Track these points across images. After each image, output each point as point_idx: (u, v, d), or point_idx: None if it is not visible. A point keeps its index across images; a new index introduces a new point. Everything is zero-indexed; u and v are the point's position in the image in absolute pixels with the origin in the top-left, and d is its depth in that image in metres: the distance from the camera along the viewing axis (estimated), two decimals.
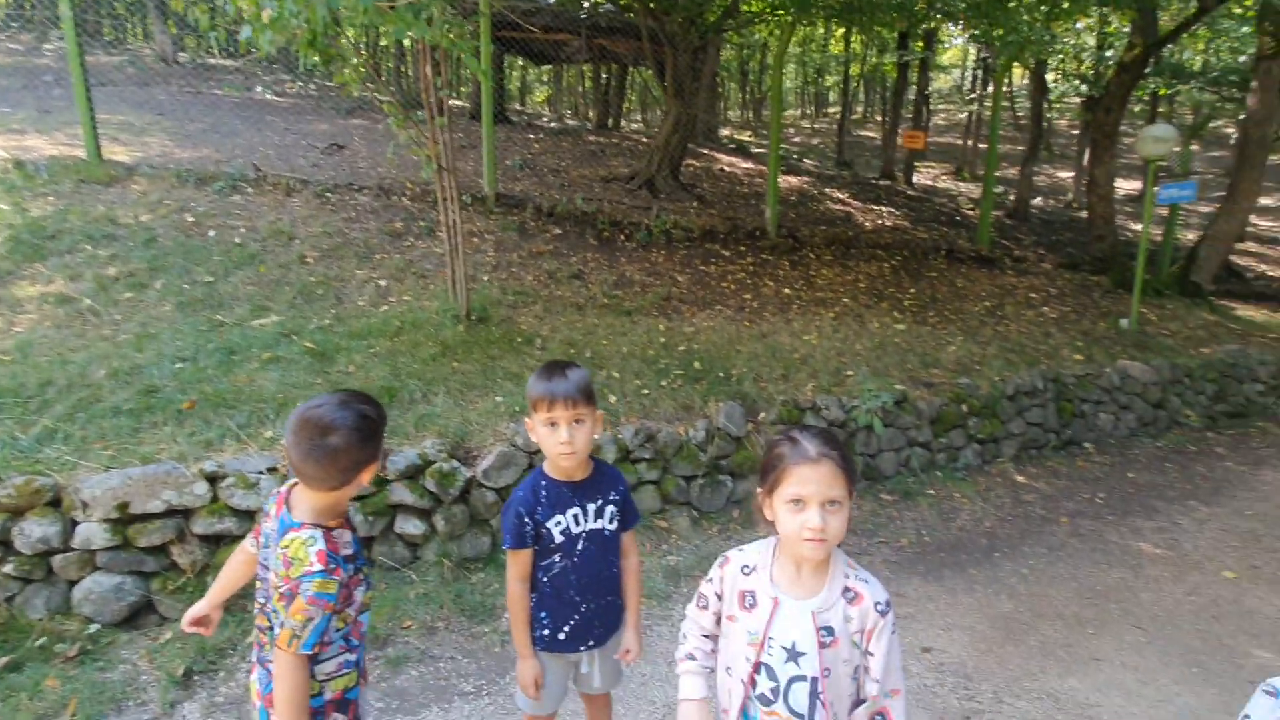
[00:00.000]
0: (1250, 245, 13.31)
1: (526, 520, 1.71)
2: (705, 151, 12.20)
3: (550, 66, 17.52)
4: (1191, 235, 11.76)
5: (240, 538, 2.88)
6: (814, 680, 1.31)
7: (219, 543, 2.92)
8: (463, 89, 12.77)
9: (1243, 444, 6.00)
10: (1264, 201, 15.14)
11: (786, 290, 6.44)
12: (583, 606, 1.79)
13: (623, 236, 6.76)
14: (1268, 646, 3.07)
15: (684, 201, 8.34)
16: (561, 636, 1.79)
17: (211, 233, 5.15)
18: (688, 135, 8.94)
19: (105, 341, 3.83)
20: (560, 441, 1.65)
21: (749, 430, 4.17)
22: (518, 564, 1.74)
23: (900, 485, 4.57)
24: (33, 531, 2.67)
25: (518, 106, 18.65)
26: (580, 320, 5.04)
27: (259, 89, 10.74)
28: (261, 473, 2.98)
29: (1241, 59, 12.37)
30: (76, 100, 5.42)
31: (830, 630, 1.32)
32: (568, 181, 8.17)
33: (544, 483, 1.75)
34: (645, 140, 11.28)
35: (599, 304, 5.41)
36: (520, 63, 17.39)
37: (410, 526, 3.19)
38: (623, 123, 15.50)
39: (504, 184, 7.35)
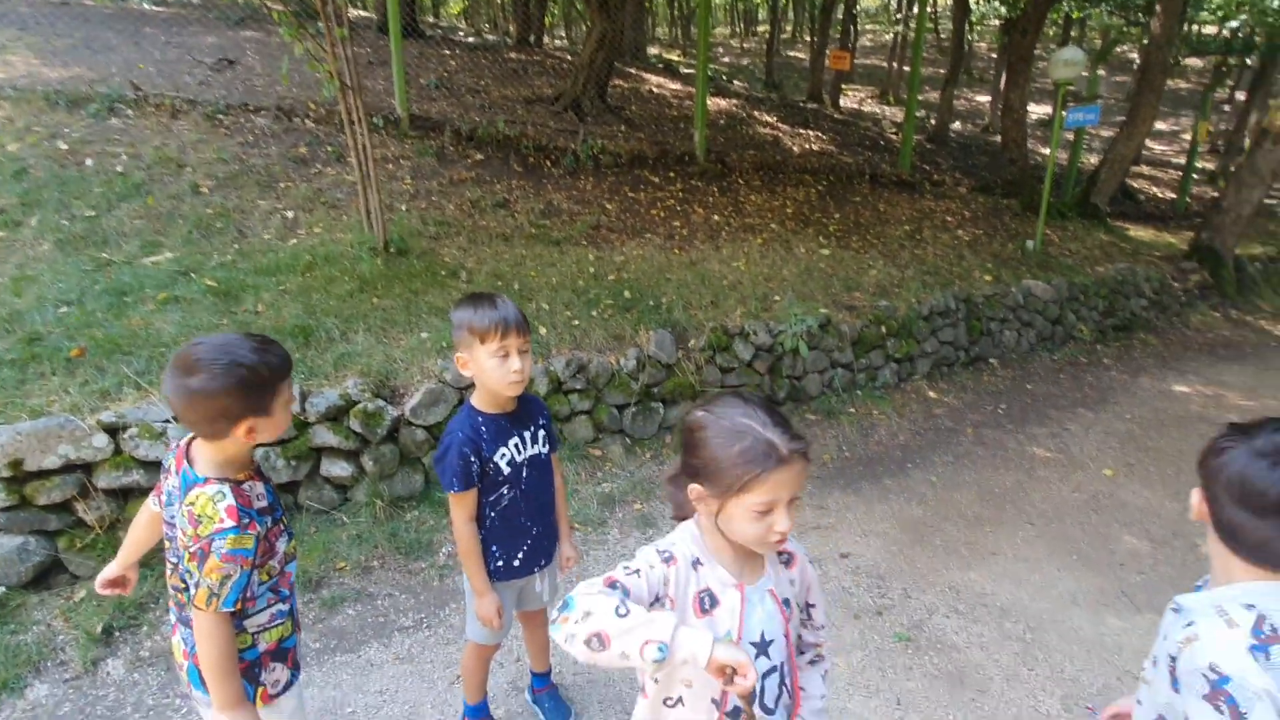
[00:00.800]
0: (1143, 168, 14.15)
1: (472, 459, 1.68)
2: (633, 71, 11.74)
3: None
4: (1094, 159, 12.36)
5: (150, 490, 2.75)
6: (782, 666, 1.20)
7: (127, 496, 2.78)
8: None
9: (1126, 355, 6.57)
10: (1158, 126, 16.02)
11: (716, 217, 6.42)
12: (534, 530, 1.85)
13: (549, 162, 6.51)
14: (1136, 534, 3.47)
15: (612, 125, 8.06)
16: (516, 564, 1.85)
17: (89, 161, 4.63)
18: (614, 53, 8.55)
19: None
20: (514, 370, 1.63)
21: (680, 358, 4.23)
22: (466, 504, 1.73)
23: (824, 405, 4.78)
24: None
25: (431, 19, 17.29)
26: (507, 251, 4.89)
27: None
28: (168, 421, 2.82)
29: None
30: None
31: (787, 603, 1.22)
32: (488, 103, 7.73)
33: (480, 418, 1.72)
34: (570, 58, 10.73)
35: (526, 234, 5.25)
36: None
37: (337, 469, 3.12)
38: (545, 39, 14.64)
39: (418, 105, 6.89)
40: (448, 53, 9.61)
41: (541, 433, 1.84)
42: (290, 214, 4.71)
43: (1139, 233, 9.44)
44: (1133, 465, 4.25)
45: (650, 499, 3.55)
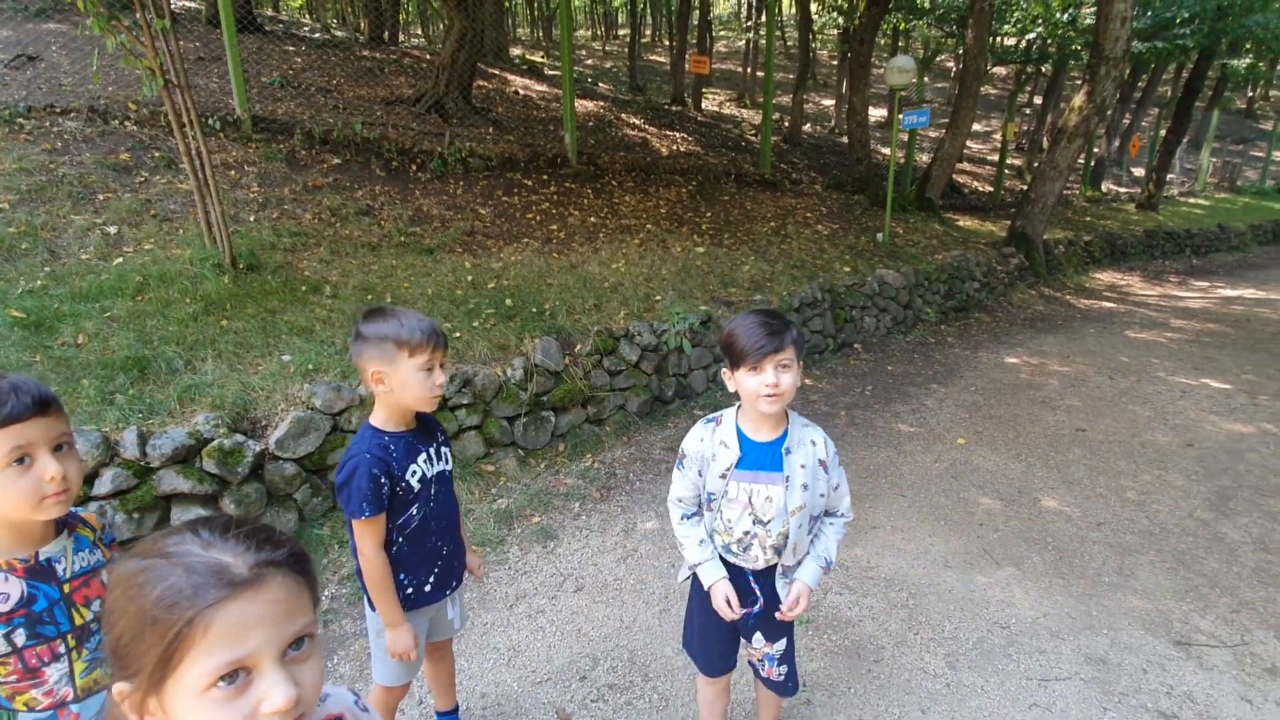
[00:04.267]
0: (965, 165, 15.86)
1: (383, 480, 1.60)
2: (496, 72, 11.47)
3: None
4: (925, 157, 13.68)
5: None
6: None
7: None
8: None
9: (965, 333, 7.32)
10: (976, 127, 18.03)
11: (592, 219, 6.41)
12: (444, 550, 1.77)
13: (414, 166, 6.19)
14: (990, 495, 3.86)
15: (479, 127, 7.82)
16: (428, 589, 1.75)
17: None
18: (475, 53, 8.29)
19: None
20: (438, 384, 1.61)
21: (567, 364, 4.17)
22: (375, 530, 1.62)
23: (710, 400, 4.91)
24: None
25: (270, 12, 15.92)
26: (375, 262, 4.59)
27: None
28: None
29: None
30: None
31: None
32: (342, 103, 7.23)
33: (386, 437, 1.64)
34: (429, 57, 10.29)
35: (395, 242, 4.96)
36: None
37: (191, 517, 2.77)
38: (401, 37, 13.93)
39: (261, 105, 6.31)
40: (291, 49, 8.88)
41: (444, 449, 1.78)
42: (113, 229, 4.13)
43: (966, 223, 10.55)
44: (981, 432, 4.73)
45: (549, 510, 3.47)
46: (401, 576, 1.70)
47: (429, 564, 1.74)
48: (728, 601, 1.68)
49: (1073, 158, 9.09)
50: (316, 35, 11.29)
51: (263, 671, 0.65)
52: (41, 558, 1.08)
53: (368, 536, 1.61)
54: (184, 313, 3.52)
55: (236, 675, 0.64)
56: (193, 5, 9.86)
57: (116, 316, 3.39)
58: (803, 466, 1.66)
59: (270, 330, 3.57)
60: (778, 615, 1.71)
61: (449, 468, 1.79)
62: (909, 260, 7.67)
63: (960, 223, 10.42)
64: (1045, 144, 13.71)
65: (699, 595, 1.81)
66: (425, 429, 1.75)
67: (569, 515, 3.46)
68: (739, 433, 1.68)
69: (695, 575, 1.78)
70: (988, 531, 3.47)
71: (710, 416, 1.75)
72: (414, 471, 1.66)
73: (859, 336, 6.57)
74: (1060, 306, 8.75)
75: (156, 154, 4.96)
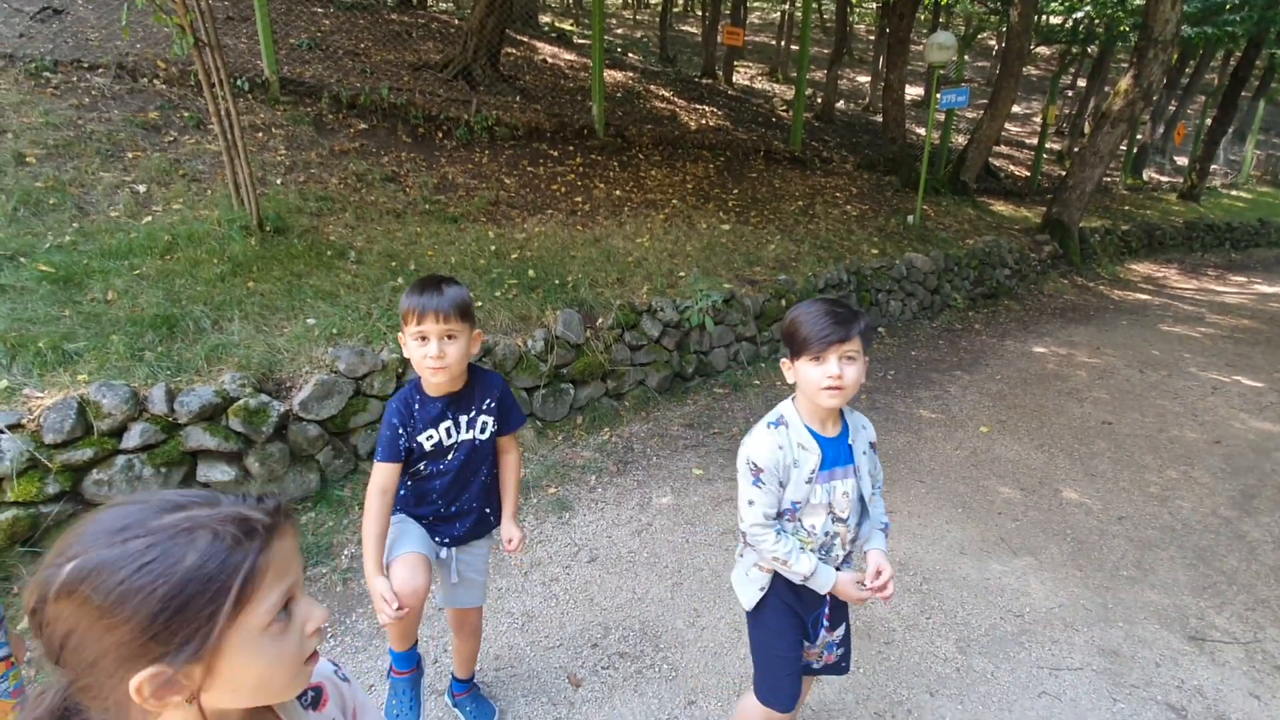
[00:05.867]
0: (1002, 147, 15.43)
1: (401, 433, 1.67)
2: (524, 40, 11.32)
3: None
4: (960, 139, 13.32)
5: None
6: None
7: None
8: None
9: (993, 320, 7.18)
10: (1015, 109, 17.49)
11: (618, 192, 6.35)
12: (442, 508, 1.81)
13: (441, 133, 6.16)
14: (1010, 485, 3.81)
15: (506, 95, 7.74)
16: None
17: None
18: (505, 18, 8.18)
19: None
20: (429, 355, 1.60)
21: (588, 337, 4.16)
22: (381, 475, 1.67)
23: (731, 379, 4.89)
24: None
25: None
26: (400, 229, 4.59)
27: None
28: (2, 431, 2.43)
29: None
30: None
31: None
32: (370, 67, 7.19)
33: (417, 397, 1.71)
34: (458, 22, 10.18)
35: (420, 210, 4.95)
36: None
37: (217, 473, 2.83)
38: (430, 1, 13.79)
39: (289, 68, 6.29)
40: (320, 10, 8.83)
41: (484, 419, 1.78)
42: (142, 188, 4.18)
43: (1000, 208, 10.29)
44: (1004, 421, 4.66)
45: (565, 482, 3.49)
46: (397, 512, 1.78)
47: (424, 512, 1.81)
48: (859, 583, 1.59)
49: (1115, 143, 8.79)
50: None
51: (297, 599, 0.73)
52: None
53: (374, 476, 1.67)
54: (211, 273, 3.56)
55: (285, 608, 0.71)
56: None
57: (145, 274, 3.43)
58: (864, 453, 1.60)
59: (295, 293, 3.60)
60: (868, 589, 1.59)
61: (482, 438, 1.78)
62: (939, 244, 7.51)
63: (994, 207, 10.17)
64: (1087, 128, 13.27)
65: (773, 626, 1.66)
66: (467, 396, 1.75)
67: (585, 488, 3.48)
68: (811, 432, 1.54)
69: (762, 609, 1.65)
70: (1006, 520, 3.43)
71: (770, 419, 1.56)
72: (430, 436, 1.71)
73: (884, 320, 6.47)
74: (1093, 297, 8.54)
75: (185, 114, 4.98)
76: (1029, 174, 12.78)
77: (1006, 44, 10.27)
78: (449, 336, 1.61)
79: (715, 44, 14.16)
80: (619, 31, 19.66)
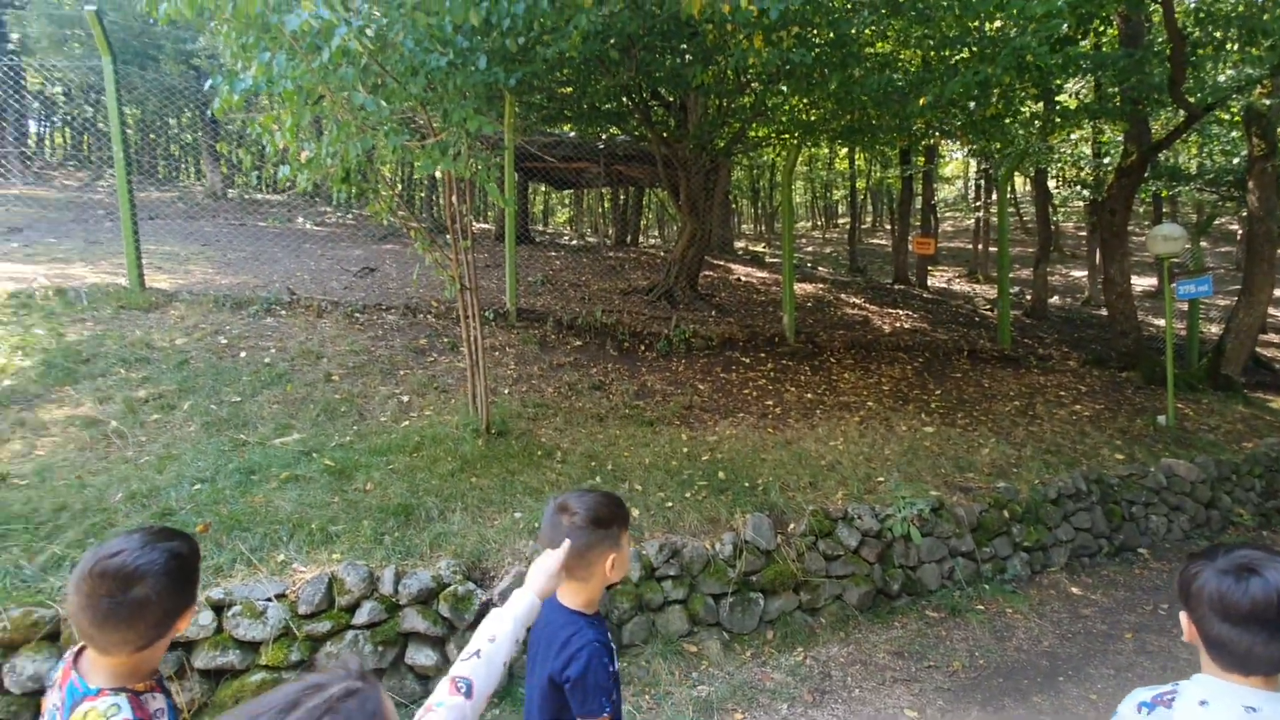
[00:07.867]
0: (1271, 336, 13.09)
1: (613, 671, 1.47)
2: (721, 263, 12.60)
3: (571, 191, 18.63)
4: (1213, 329, 11.62)
5: (243, 672, 2.73)
6: None
7: (219, 678, 2.76)
8: (489, 213, 13.55)
9: None
10: (1278, 293, 15.07)
11: (809, 395, 6.37)
12: None
13: (643, 347, 6.84)
14: None
15: (702, 311, 8.50)
16: None
17: (243, 354, 5.30)
18: (703, 249, 9.26)
19: (127, 464, 3.85)
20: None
21: (779, 543, 3.97)
22: None
23: (946, 600, 4.26)
24: (25, 668, 2.54)
25: (540, 227, 19.65)
26: (601, 431, 4.99)
27: (300, 219, 11.48)
28: (270, 599, 2.86)
29: (1235, 160, 12.76)
30: (123, 231, 5.78)
31: None
32: (588, 295, 8.42)
33: (604, 624, 1.57)
34: (663, 255, 11.71)
35: (620, 414, 5.37)
36: (544, 188, 18.53)
37: (422, 657, 3.00)
38: (640, 239, 16.20)
39: (525, 300, 7.59)
40: (553, 254, 10.77)
41: None
42: (406, 398, 5.09)
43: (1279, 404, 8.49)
44: None
45: (753, 707, 3.14)
46: None
47: None
48: None
49: None
50: (574, 243, 13.60)
51: None
52: None
53: None
54: (445, 469, 4.10)
55: None
56: (486, 226, 12.57)
57: (396, 469, 4.05)
58: None
59: (508, 489, 3.98)
60: None
61: None
62: (1205, 449, 6.29)
63: (1273, 404, 8.42)
64: None
65: None
66: None
67: (775, 716, 3.09)
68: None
69: None
70: None
71: (1148, 701, 1.27)
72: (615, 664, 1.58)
73: (1145, 540, 5.35)
74: None
75: (445, 339, 6.14)
76: None
77: (1249, 229, 9.21)
78: None
79: (906, 252, 14.50)
80: (808, 249, 21.10)
